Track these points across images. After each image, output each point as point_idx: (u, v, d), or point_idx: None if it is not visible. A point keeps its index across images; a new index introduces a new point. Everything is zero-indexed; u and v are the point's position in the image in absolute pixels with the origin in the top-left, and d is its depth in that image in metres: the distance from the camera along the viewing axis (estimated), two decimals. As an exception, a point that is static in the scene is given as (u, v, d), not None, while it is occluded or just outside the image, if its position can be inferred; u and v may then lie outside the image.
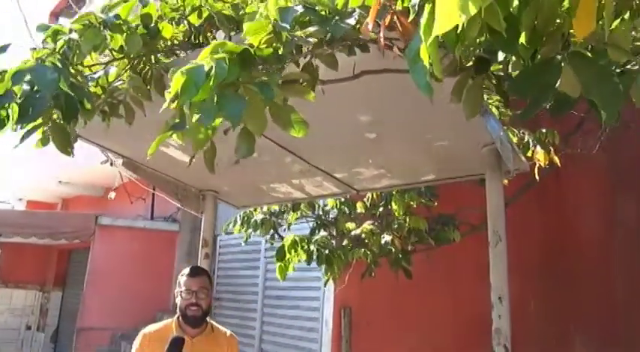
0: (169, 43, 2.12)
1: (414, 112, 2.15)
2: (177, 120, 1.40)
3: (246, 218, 4.42)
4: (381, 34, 0.95)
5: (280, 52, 1.00)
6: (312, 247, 3.65)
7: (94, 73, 2.04)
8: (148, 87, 2.13)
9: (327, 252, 3.67)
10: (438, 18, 0.68)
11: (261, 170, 3.24)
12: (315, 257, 3.66)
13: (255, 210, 4.45)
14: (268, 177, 3.37)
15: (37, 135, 2.05)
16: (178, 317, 2.72)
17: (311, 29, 1.00)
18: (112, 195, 7.53)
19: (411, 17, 0.87)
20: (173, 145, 3.07)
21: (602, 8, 0.73)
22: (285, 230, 4.42)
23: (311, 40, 1.01)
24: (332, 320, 5.22)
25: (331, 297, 5.26)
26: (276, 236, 4.59)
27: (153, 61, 2.11)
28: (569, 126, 4.29)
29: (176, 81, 0.96)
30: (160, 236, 8.50)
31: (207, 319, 2.77)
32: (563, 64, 0.81)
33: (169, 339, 2.50)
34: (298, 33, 0.99)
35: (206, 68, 0.94)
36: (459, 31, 0.74)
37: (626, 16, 0.83)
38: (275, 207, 4.40)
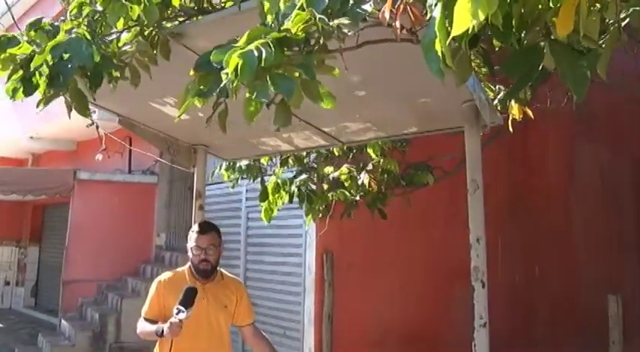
0: (176, 9, 2.27)
1: (402, 74, 2.37)
2: (202, 87, 1.61)
3: (231, 164, 4.60)
4: (397, 24, 1.15)
5: (314, 38, 1.20)
6: (293, 188, 3.90)
7: (107, 38, 2.19)
8: (155, 51, 2.29)
9: (307, 191, 3.93)
10: (455, 22, 0.89)
11: (251, 125, 3.43)
12: (296, 196, 3.91)
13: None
14: (258, 132, 3.55)
15: (39, 95, 2.21)
16: (190, 268, 2.95)
17: (344, 21, 1.20)
18: (99, 156, 7.58)
19: (428, 16, 1.08)
20: (169, 103, 3.23)
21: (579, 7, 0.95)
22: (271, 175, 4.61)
23: (345, 30, 1.20)
24: (314, 264, 5.54)
25: (313, 243, 5.57)
26: (265, 179, 4.82)
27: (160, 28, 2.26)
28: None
29: (232, 62, 1.15)
30: (139, 188, 8.64)
31: (217, 268, 3.00)
32: (545, 50, 1.03)
33: (183, 288, 2.73)
34: (332, 23, 1.19)
35: (256, 53, 1.13)
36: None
37: (597, 7, 1.05)
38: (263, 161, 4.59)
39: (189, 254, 2.92)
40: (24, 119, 11.29)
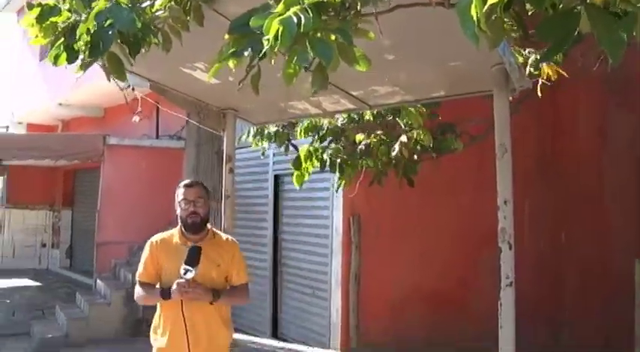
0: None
1: (433, 37, 2.37)
2: (234, 49, 1.66)
3: (259, 130, 4.65)
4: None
5: (348, 2, 1.23)
6: (325, 156, 3.94)
7: (142, 4, 2.23)
8: (187, 17, 2.33)
9: (339, 160, 3.97)
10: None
11: (281, 89, 3.46)
12: (328, 165, 3.96)
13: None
14: (287, 95, 3.58)
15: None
16: (181, 227, 2.91)
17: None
18: (136, 118, 7.71)
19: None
20: (200, 68, 3.27)
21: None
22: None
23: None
24: (341, 227, 5.63)
25: (340, 206, 5.65)
26: (290, 147, 4.87)
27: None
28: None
29: (273, 28, 1.19)
30: (167, 153, 8.78)
31: (209, 226, 2.95)
32: (581, 14, 1.04)
33: (175, 248, 2.82)
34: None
35: (295, 19, 1.17)
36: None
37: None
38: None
39: (178, 210, 2.88)
40: (53, 86, 11.49)
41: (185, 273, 2.64)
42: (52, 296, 10.05)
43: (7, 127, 15.45)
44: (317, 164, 4.04)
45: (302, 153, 3.97)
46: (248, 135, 4.76)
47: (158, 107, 8.94)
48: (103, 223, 8.31)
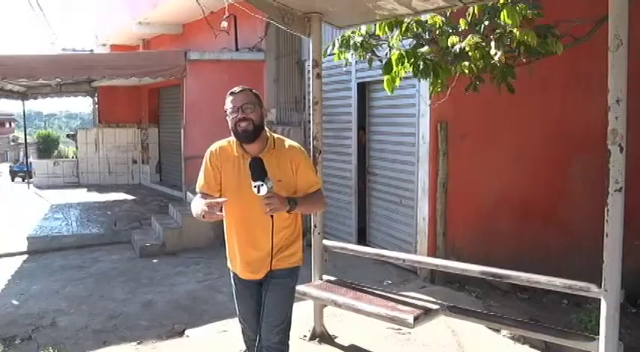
0: None
1: None
2: None
3: (344, 41, 4.47)
4: None
5: None
6: (418, 60, 3.72)
7: None
8: None
9: (433, 63, 3.74)
10: None
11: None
12: (421, 69, 3.74)
13: (353, 32, 4.48)
14: (375, -7, 3.38)
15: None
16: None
17: None
18: (224, 24, 7.68)
19: None
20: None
21: None
22: (386, 54, 4.46)
23: None
24: (428, 134, 5.46)
25: (427, 113, 5.45)
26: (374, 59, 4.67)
27: None
28: None
29: None
30: (247, 65, 8.77)
31: (268, 134, 2.68)
32: None
33: (232, 158, 2.64)
34: None
35: None
36: None
37: None
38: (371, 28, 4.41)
39: (228, 122, 2.61)
40: (132, 6, 11.60)
41: (259, 191, 2.38)
42: (147, 208, 10.68)
43: (92, 50, 15.99)
44: (409, 68, 3.83)
45: (394, 57, 3.77)
46: (333, 47, 4.58)
47: (236, 19, 8.87)
48: (188, 138, 8.55)
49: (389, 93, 4.07)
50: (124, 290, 5.78)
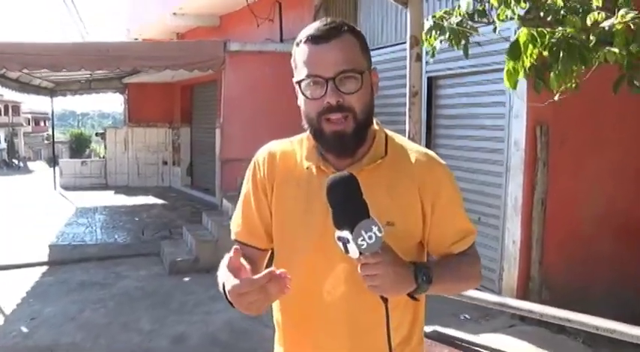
0: None
1: None
2: None
3: (436, 24, 3.45)
4: None
5: None
6: (561, 43, 2.68)
7: None
8: None
9: (578, 44, 2.72)
10: None
11: None
12: (562, 55, 2.71)
13: (447, 12, 3.46)
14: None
15: None
16: (309, 138, 1.34)
17: None
18: None
19: None
20: None
21: None
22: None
23: None
24: (524, 139, 4.44)
25: (522, 113, 4.43)
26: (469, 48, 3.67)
27: None
28: None
29: None
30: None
31: (376, 127, 1.35)
32: None
33: (303, 175, 1.33)
34: None
35: None
36: None
37: None
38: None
39: (301, 105, 1.30)
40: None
41: (346, 249, 1.10)
42: (177, 214, 9.88)
43: (124, 45, 15.33)
44: (533, 53, 2.81)
45: (521, 37, 2.76)
46: (429, 34, 3.57)
47: (281, 7, 7.96)
48: (225, 138, 7.64)
49: (510, 89, 3.05)
50: (151, 319, 4.87)
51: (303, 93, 1.27)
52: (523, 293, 4.54)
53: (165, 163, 14.06)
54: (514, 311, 2.47)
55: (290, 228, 1.34)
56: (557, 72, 2.96)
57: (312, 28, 1.26)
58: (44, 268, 6.69)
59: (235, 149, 7.38)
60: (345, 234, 1.08)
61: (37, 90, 11.76)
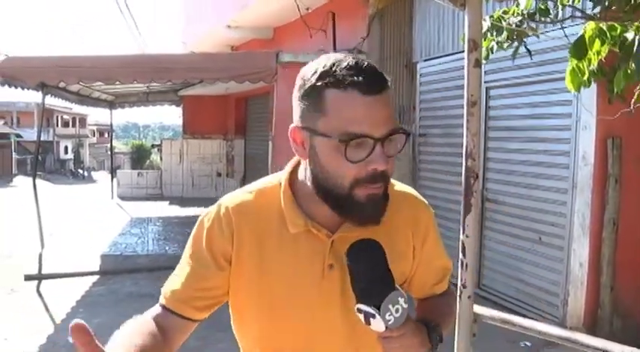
0: None
1: None
2: None
3: (494, 25, 3.21)
4: None
5: None
6: (628, 35, 2.39)
7: None
8: None
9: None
10: None
11: None
12: (636, 50, 2.41)
13: (505, 11, 3.21)
14: None
15: None
16: (296, 195, 1.17)
17: None
18: None
19: None
20: None
21: None
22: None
23: None
24: (593, 153, 4.09)
25: (591, 125, 4.09)
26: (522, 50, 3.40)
27: None
28: None
29: None
30: (345, 70, 7.66)
31: None
32: None
33: (286, 239, 1.13)
34: None
35: None
36: None
37: None
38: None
39: (325, 164, 1.07)
40: (221, 8, 10.93)
41: (368, 321, 1.00)
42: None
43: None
44: (604, 50, 2.53)
45: (587, 33, 2.48)
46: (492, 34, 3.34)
47: (335, 17, 7.83)
48: (276, 150, 7.52)
49: (573, 91, 2.77)
50: (196, 334, 4.74)
51: (339, 152, 1.01)
52: (591, 322, 4.17)
53: (219, 175, 14.16)
54: (585, 350, 2.15)
55: (278, 293, 1.14)
56: (628, 71, 2.63)
57: (351, 69, 1.01)
58: (95, 278, 6.74)
59: (286, 161, 7.24)
60: (370, 308, 0.99)
61: (97, 102, 12.05)
